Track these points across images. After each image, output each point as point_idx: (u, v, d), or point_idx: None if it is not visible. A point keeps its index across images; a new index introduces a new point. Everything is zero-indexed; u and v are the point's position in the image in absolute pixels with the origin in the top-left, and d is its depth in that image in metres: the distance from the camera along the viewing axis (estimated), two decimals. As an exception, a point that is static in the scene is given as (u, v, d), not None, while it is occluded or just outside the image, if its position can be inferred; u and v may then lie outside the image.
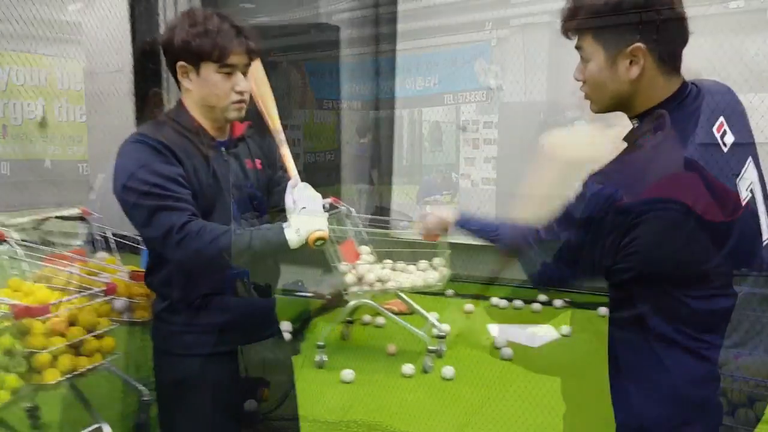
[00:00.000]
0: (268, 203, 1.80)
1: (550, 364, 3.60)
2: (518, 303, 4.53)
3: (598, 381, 3.32)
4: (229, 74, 1.55)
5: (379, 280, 3.41)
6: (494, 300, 4.56)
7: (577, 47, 1.28)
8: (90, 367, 1.88)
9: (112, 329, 1.95)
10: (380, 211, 5.26)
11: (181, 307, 1.64)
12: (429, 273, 3.50)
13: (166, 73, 1.80)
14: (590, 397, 3.09)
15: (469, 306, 4.41)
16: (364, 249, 3.71)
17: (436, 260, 3.47)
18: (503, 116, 4.95)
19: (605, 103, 1.28)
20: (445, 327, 3.81)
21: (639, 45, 1.18)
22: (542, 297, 4.57)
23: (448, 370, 3.44)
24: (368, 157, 5.67)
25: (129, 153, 1.54)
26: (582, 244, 1.24)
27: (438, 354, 3.62)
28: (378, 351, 3.85)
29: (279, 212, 1.79)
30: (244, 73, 1.59)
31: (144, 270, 1.72)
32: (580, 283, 1.43)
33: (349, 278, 3.52)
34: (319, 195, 1.63)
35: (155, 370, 1.74)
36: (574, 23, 1.25)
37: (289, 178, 1.65)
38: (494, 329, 4.07)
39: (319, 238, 1.53)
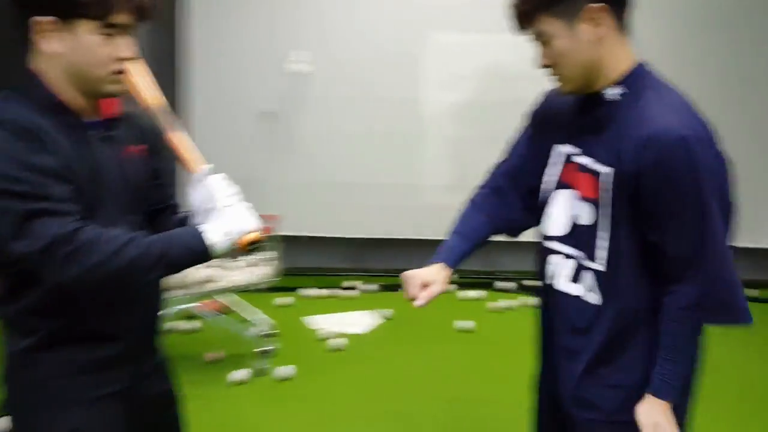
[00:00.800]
0: (154, 201, 1.46)
1: (380, 349, 3.62)
2: (333, 292, 4.47)
3: (431, 360, 3.48)
4: (110, 36, 1.21)
5: (208, 281, 3.06)
6: (306, 291, 4.43)
7: (536, 33, 1.31)
8: None
9: None
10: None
11: (59, 341, 1.24)
12: (260, 268, 3.25)
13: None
14: (426, 377, 3.23)
15: (281, 299, 4.21)
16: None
17: (268, 254, 3.23)
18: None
19: (577, 75, 1.31)
20: (267, 322, 3.53)
21: (597, 5, 1.25)
22: (355, 283, 4.58)
23: (283, 370, 3.23)
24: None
25: None
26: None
27: (269, 354, 3.38)
28: (196, 359, 3.45)
29: (158, 211, 1.47)
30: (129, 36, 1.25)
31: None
32: None
33: (172, 281, 3.10)
34: (236, 187, 1.34)
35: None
36: (529, 8, 1.29)
37: (176, 167, 1.37)
38: (317, 320, 3.96)
39: (254, 241, 1.27)
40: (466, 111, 4.82)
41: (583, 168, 1.36)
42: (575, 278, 1.40)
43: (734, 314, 1.28)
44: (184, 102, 4.59)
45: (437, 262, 1.53)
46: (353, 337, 3.71)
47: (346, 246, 4.83)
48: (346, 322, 3.94)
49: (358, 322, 3.95)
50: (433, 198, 4.85)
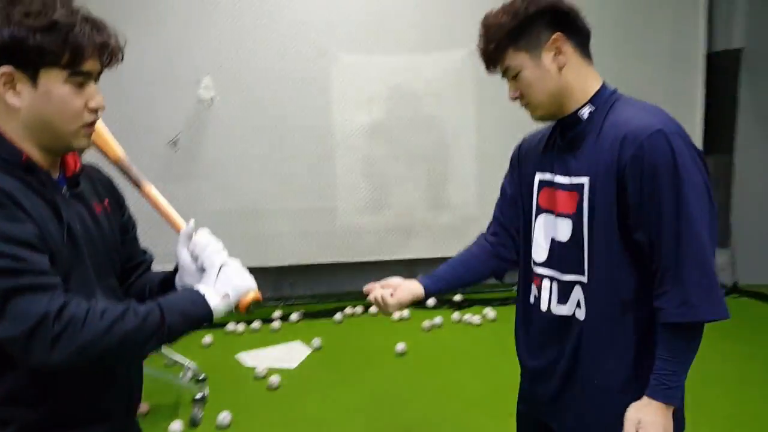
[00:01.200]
0: (126, 258, 1.32)
1: (316, 381, 3.52)
2: (256, 324, 4.30)
3: (370, 387, 3.43)
4: (81, 85, 1.08)
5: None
6: (230, 326, 4.23)
7: (504, 70, 1.39)
8: None
9: None
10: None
11: (45, 426, 1.09)
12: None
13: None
14: (367, 405, 3.18)
15: (207, 338, 3.99)
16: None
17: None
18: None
19: (546, 101, 1.37)
20: (194, 366, 3.30)
21: (557, 35, 1.33)
22: (277, 313, 4.44)
23: (222, 417, 3.04)
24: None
25: None
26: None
27: (201, 401, 3.17)
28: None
29: (131, 269, 1.35)
30: (95, 82, 1.12)
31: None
32: None
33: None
34: (220, 242, 1.25)
35: None
36: (495, 46, 1.36)
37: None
38: (246, 358, 3.78)
39: (253, 301, 1.19)
40: (376, 131, 4.84)
41: (561, 186, 1.40)
42: (563, 299, 1.43)
43: (717, 308, 1.27)
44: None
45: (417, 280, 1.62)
46: (287, 373, 3.57)
47: (263, 276, 4.63)
48: (277, 356, 3.80)
49: (289, 355, 3.82)
50: (348, 220, 4.82)
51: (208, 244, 1.22)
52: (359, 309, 4.56)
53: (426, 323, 4.28)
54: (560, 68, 1.35)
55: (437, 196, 5.01)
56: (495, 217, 1.67)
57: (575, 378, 1.42)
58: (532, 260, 1.52)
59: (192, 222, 1.26)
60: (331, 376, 3.58)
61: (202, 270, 1.22)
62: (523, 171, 1.57)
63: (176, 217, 1.29)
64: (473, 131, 4.94)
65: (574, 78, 1.36)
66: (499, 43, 1.36)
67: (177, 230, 1.28)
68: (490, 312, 4.51)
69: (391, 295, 1.57)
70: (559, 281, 1.43)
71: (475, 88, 4.87)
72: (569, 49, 1.35)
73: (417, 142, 4.92)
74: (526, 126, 4.32)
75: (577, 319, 1.40)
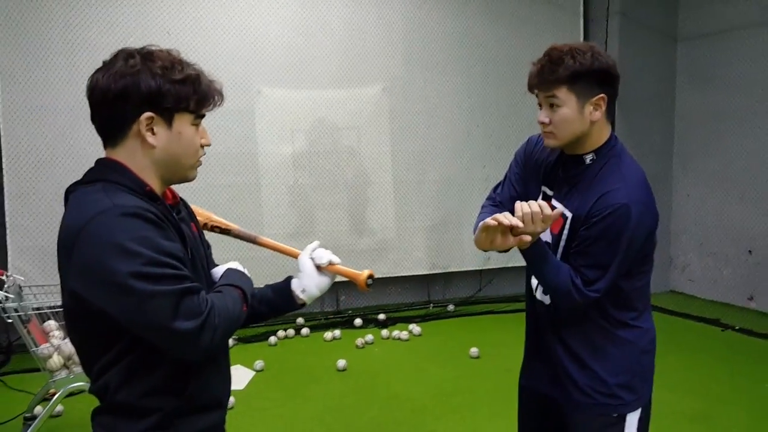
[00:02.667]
0: None
1: (264, 398, 3.64)
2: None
3: (319, 399, 3.61)
4: (197, 125, 1.29)
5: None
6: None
7: (549, 96, 1.60)
8: None
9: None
10: None
11: (176, 417, 1.25)
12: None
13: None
14: (319, 416, 3.36)
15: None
16: (51, 325, 3.02)
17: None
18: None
19: (567, 139, 1.63)
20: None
21: (603, 95, 1.59)
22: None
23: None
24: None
25: (127, 230, 1.12)
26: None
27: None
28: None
29: None
30: None
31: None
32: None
33: (53, 362, 2.82)
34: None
35: None
36: (555, 77, 1.57)
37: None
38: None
39: (369, 276, 1.57)
40: (299, 161, 5.08)
41: (555, 208, 1.74)
42: (546, 290, 1.74)
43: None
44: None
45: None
46: (236, 394, 3.65)
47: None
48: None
49: (235, 377, 3.84)
50: (275, 247, 4.96)
51: (328, 253, 1.52)
52: (291, 332, 4.74)
53: (359, 341, 4.52)
54: (592, 121, 1.59)
55: (358, 222, 5.32)
56: (499, 202, 1.88)
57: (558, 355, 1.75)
58: None
59: (316, 242, 1.55)
60: (280, 393, 3.71)
61: (323, 267, 1.50)
62: (530, 172, 1.82)
63: (290, 249, 1.58)
64: (389, 161, 5.32)
65: (596, 130, 1.62)
66: (560, 78, 1.55)
67: (294, 257, 1.55)
68: (415, 328, 4.85)
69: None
70: None
71: (390, 121, 5.28)
72: (604, 109, 1.60)
73: (338, 171, 5.22)
74: (437, 156, 5.14)
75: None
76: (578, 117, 1.59)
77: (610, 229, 1.56)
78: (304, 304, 1.50)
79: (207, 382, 1.30)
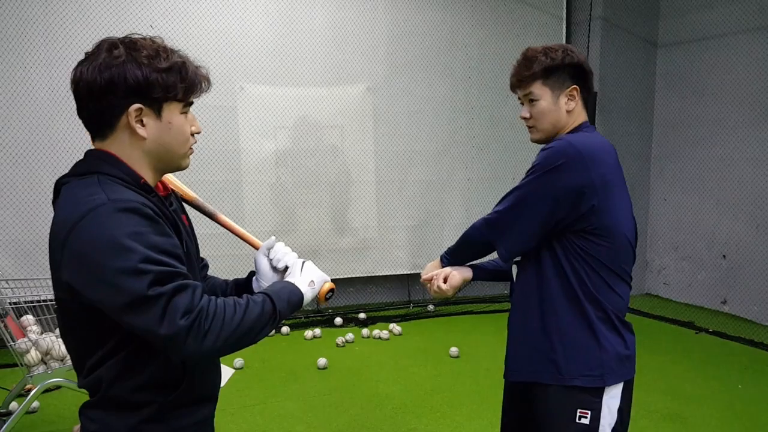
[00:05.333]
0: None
1: (245, 396, 3.62)
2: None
3: (300, 397, 3.62)
4: (186, 114, 1.27)
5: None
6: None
7: (526, 94, 1.74)
8: None
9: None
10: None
11: (170, 410, 1.24)
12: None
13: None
14: (300, 413, 3.36)
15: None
16: (29, 319, 2.98)
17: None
18: None
19: (547, 130, 1.74)
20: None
21: (576, 86, 1.71)
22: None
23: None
24: None
25: (121, 226, 1.09)
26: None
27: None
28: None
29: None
30: None
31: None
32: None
33: (30, 358, 2.78)
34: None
35: None
36: (529, 74, 1.71)
37: None
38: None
39: (330, 290, 1.45)
40: (282, 159, 5.06)
41: None
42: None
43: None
44: None
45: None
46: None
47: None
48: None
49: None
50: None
51: (288, 250, 1.45)
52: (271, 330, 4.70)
53: (339, 339, 4.53)
54: (568, 111, 1.72)
55: (340, 221, 5.32)
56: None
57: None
58: None
59: (273, 238, 1.49)
60: (261, 391, 3.70)
61: (281, 271, 1.44)
62: None
63: (251, 236, 1.52)
64: (372, 160, 5.33)
65: (572, 119, 1.74)
66: (534, 74, 1.70)
67: (255, 247, 1.50)
68: (395, 327, 4.86)
69: (445, 281, 1.86)
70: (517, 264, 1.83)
71: (374, 120, 5.29)
72: (578, 99, 1.73)
73: (321, 170, 5.22)
74: (420, 156, 5.15)
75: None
76: (554, 108, 1.71)
77: (536, 161, 1.66)
78: None
79: (202, 375, 1.30)
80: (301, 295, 1.34)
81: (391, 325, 4.89)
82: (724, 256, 5.48)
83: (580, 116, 1.75)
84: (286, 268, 1.44)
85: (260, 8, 4.89)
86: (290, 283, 1.35)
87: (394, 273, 5.52)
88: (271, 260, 1.46)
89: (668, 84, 5.93)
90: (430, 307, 5.55)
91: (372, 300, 5.58)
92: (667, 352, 4.51)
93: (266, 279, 1.46)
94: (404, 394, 3.66)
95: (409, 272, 5.55)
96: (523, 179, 1.69)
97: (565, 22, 5.88)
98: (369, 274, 5.40)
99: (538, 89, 1.71)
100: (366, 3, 5.20)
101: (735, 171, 5.33)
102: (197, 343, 1.10)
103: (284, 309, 1.27)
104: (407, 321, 5.21)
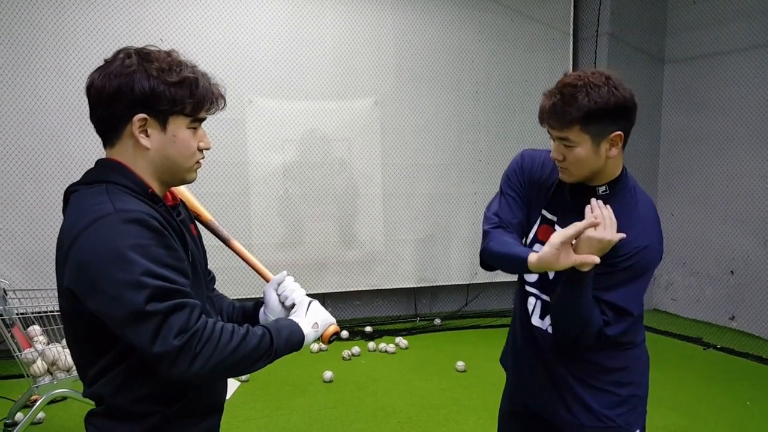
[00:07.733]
0: None
1: (250, 409, 3.61)
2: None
3: (305, 411, 3.61)
4: (195, 129, 1.27)
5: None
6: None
7: (563, 137, 1.50)
8: None
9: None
10: None
11: (173, 420, 1.25)
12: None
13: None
14: (305, 427, 3.34)
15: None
16: (35, 330, 2.99)
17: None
18: None
19: (582, 175, 1.55)
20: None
21: (619, 133, 1.49)
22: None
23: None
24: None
25: (125, 237, 1.09)
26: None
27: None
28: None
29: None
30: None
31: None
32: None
33: (36, 368, 2.78)
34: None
35: None
36: (568, 118, 1.45)
37: None
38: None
39: (334, 333, 1.43)
40: (291, 171, 5.08)
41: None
42: (542, 316, 1.74)
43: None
44: None
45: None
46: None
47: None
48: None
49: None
50: (263, 256, 4.92)
51: (296, 287, 1.44)
52: (277, 343, 4.70)
53: (345, 353, 4.51)
54: (609, 157, 1.50)
55: (347, 234, 5.32)
56: (504, 219, 1.72)
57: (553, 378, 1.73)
58: (525, 277, 1.80)
59: (284, 273, 1.47)
60: (266, 404, 3.69)
61: (288, 308, 1.43)
62: (529, 193, 1.72)
63: (262, 267, 1.51)
64: (379, 174, 5.34)
65: (612, 165, 1.55)
66: (572, 119, 1.44)
67: (266, 279, 1.49)
68: (402, 341, 4.85)
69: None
70: (540, 300, 1.73)
71: (381, 134, 5.31)
72: (620, 145, 1.50)
73: (328, 182, 5.23)
74: (426, 171, 5.12)
75: (549, 333, 1.71)
76: (593, 156, 1.50)
77: (634, 269, 1.54)
78: None
79: (207, 386, 1.30)
80: (302, 337, 1.32)
81: (398, 339, 4.87)
82: (731, 271, 5.44)
83: (619, 161, 1.57)
84: (294, 305, 1.42)
85: (269, 23, 4.93)
86: (294, 322, 1.33)
87: (400, 286, 5.50)
88: (279, 295, 1.45)
89: (675, 100, 5.93)
90: (437, 320, 5.53)
91: (378, 313, 5.57)
92: (675, 368, 4.48)
93: (273, 313, 1.45)
94: (410, 408, 3.65)
95: (415, 285, 5.55)
96: (624, 264, 1.53)
97: (572, 38, 5.89)
98: (376, 288, 5.39)
99: (576, 136, 1.47)
100: (374, 18, 5.25)
101: (742, 186, 5.31)
102: (186, 364, 1.10)
103: (281, 347, 1.26)
104: (414, 335, 5.19)
